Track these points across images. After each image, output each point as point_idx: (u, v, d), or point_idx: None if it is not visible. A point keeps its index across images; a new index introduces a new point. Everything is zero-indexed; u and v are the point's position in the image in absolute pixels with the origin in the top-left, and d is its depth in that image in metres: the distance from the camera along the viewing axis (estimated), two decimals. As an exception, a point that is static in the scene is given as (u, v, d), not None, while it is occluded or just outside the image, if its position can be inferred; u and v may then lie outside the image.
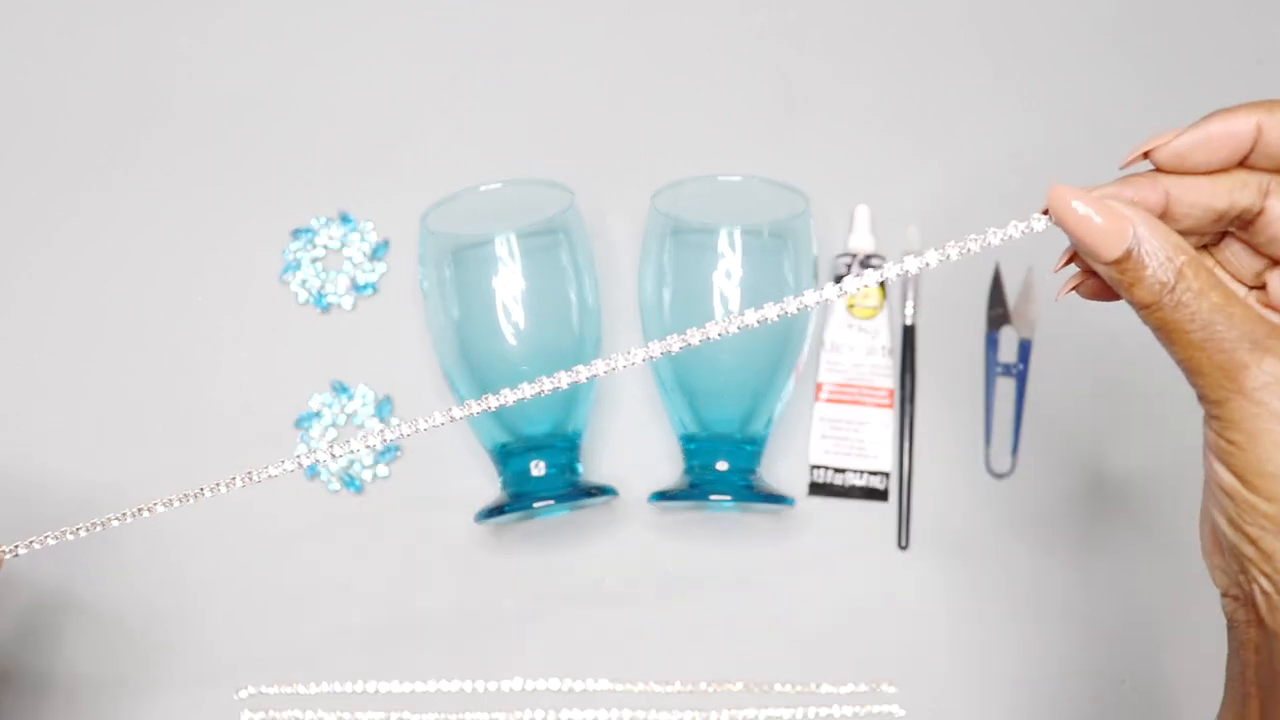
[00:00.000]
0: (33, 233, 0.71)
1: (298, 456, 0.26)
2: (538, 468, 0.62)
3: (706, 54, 0.74)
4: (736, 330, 0.22)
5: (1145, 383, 0.68)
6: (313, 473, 0.67)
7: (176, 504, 0.28)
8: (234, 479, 0.27)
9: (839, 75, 0.73)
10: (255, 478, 0.26)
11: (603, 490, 0.64)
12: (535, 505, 0.61)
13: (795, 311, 0.22)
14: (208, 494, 0.27)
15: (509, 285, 0.62)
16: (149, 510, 0.29)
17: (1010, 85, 0.73)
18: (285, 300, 0.70)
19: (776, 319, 0.28)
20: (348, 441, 0.25)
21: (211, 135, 0.72)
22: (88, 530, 0.31)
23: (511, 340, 0.62)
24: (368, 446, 0.25)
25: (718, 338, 0.23)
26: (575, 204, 0.66)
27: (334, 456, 0.25)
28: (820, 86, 0.73)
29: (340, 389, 0.68)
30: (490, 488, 0.65)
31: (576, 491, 0.62)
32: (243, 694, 0.64)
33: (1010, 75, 0.73)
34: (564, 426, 0.63)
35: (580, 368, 0.23)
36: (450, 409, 0.30)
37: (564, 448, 0.63)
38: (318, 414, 0.67)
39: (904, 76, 0.73)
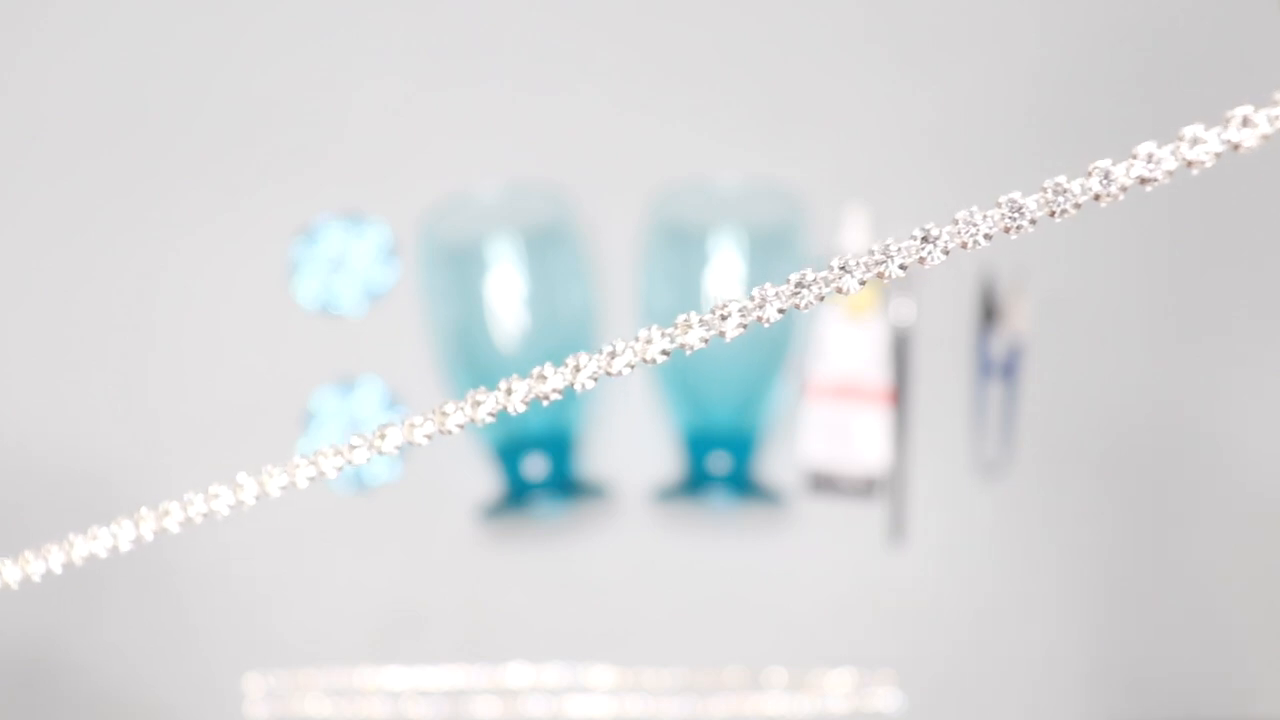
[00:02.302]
0: (44, 233, 0.72)
1: (312, 461, 0.27)
2: (536, 465, 0.63)
3: (704, 58, 0.74)
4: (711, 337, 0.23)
5: (1135, 379, 0.69)
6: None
7: (179, 519, 0.29)
8: (240, 490, 0.28)
9: (836, 77, 0.74)
10: (268, 490, 0.27)
11: (599, 488, 0.65)
12: (533, 504, 0.62)
13: (772, 318, 0.23)
14: (224, 510, 0.28)
15: (509, 287, 0.64)
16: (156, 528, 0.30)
17: (1005, 86, 0.74)
18: (291, 300, 0.71)
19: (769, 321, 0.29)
20: (353, 448, 0.26)
21: (216, 137, 0.73)
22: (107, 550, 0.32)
23: (512, 342, 0.64)
24: (381, 452, 0.26)
25: (702, 344, 0.24)
26: (575, 207, 0.67)
27: (349, 462, 0.26)
28: (818, 88, 0.74)
29: (345, 389, 0.69)
30: (492, 483, 0.67)
31: (574, 489, 0.63)
32: (246, 682, 0.65)
33: (1006, 75, 0.74)
34: (562, 423, 0.64)
35: (568, 372, 0.24)
36: (450, 414, 0.30)
37: (562, 445, 0.64)
38: (322, 414, 0.69)
39: (900, 78, 0.74)
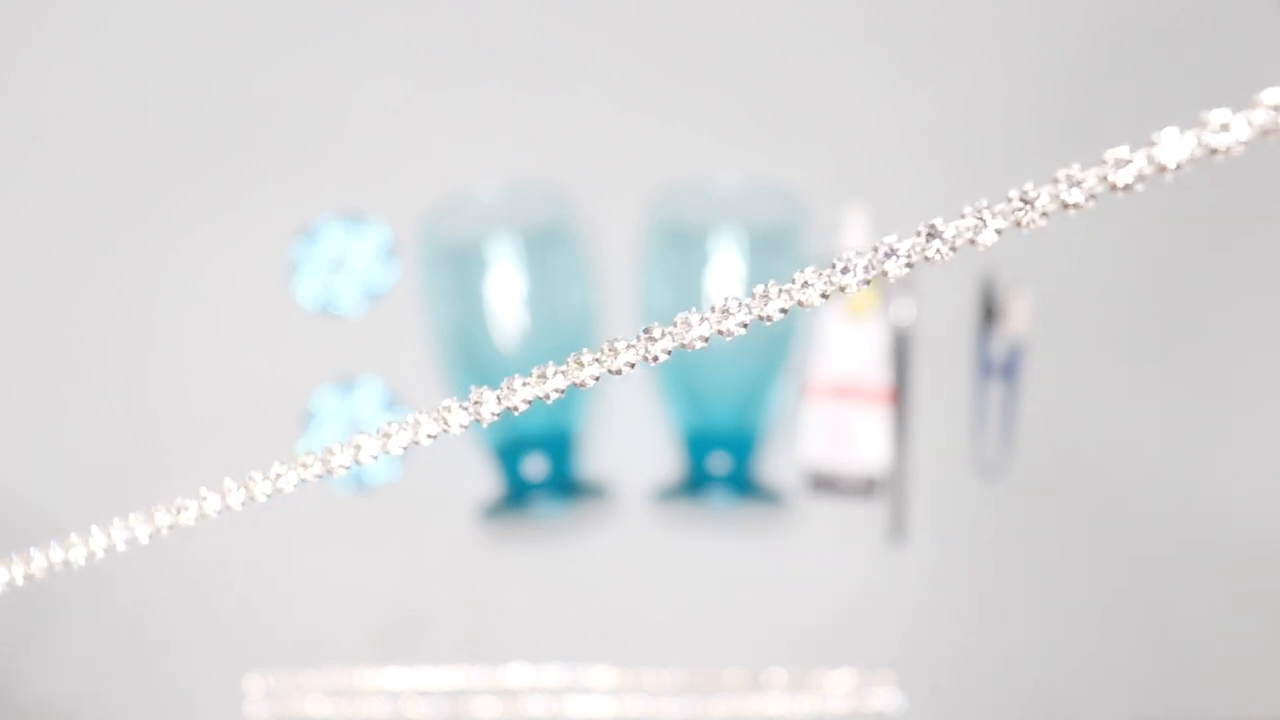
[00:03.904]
0: (44, 233, 0.72)
1: (302, 464, 0.27)
2: (536, 465, 0.63)
3: (704, 58, 0.74)
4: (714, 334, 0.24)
5: (1136, 380, 0.69)
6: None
7: (168, 525, 0.29)
8: (228, 494, 0.28)
9: (836, 77, 0.74)
10: (256, 495, 0.28)
11: (599, 488, 0.65)
12: (533, 504, 0.62)
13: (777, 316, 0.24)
14: (213, 514, 0.28)
15: (509, 287, 0.64)
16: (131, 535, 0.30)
17: (1005, 86, 0.74)
18: (291, 300, 0.71)
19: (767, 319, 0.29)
20: (356, 446, 0.26)
21: (216, 137, 0.73)
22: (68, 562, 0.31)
23: (512, 342, 0.64)
24: (374, 457, 0.27)
25: (706, 342, 0.24)
26: (575, 207, 0.67)
27: (342, 464, 0.26)
28: (818, 88, 0.74)
29: (345, 389, 0.69)
30: (492, 483, 0.67)
31: (574, 489, 0.63)
32: (246, 682, 0.65)
33: (1006, 75, 0.74)
34: (562, 423, 0.64)
35: (574, 366, 0.24)
36: (453, 413, 0.30)
37: (562, 445, 0.64)
38: (322, 414, 0.69)
39: (900, 78, 0.74)
